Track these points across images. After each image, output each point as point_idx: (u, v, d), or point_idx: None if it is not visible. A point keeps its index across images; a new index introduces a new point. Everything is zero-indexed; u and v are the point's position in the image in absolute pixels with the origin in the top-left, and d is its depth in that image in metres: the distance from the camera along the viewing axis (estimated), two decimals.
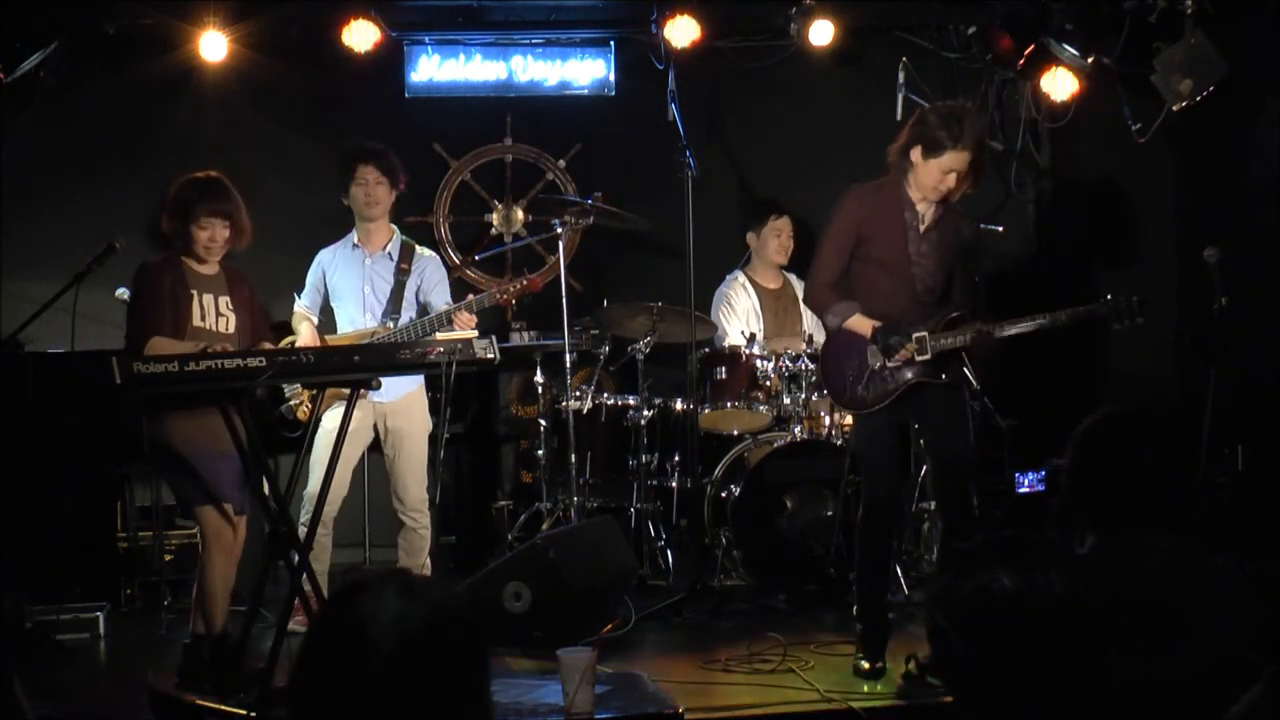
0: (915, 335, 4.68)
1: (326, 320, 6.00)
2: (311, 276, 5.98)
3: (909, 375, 4.72)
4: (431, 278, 5.97)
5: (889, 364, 4.71)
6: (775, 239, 6.81)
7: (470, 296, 5.88)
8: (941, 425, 4.84)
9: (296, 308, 6.00)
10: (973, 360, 4.80)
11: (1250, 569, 2.70)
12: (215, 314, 4.99)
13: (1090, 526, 2.72)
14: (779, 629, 5.25)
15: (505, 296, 5.95)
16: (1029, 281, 7.57)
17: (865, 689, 4.65)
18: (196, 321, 4.93)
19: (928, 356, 4.69)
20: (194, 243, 4.94)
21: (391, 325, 5.79)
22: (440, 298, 5.93)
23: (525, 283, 6.02)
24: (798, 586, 6.04)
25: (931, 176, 4.67)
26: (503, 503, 6.93)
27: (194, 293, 4.95)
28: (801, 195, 7.10)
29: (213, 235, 4.94)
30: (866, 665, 4.76)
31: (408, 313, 5.88)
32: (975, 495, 4.81)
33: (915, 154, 4.69)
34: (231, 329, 5.01)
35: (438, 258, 6.13)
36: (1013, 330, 4.72)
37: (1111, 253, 7.46)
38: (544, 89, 7.35)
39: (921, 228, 4.77)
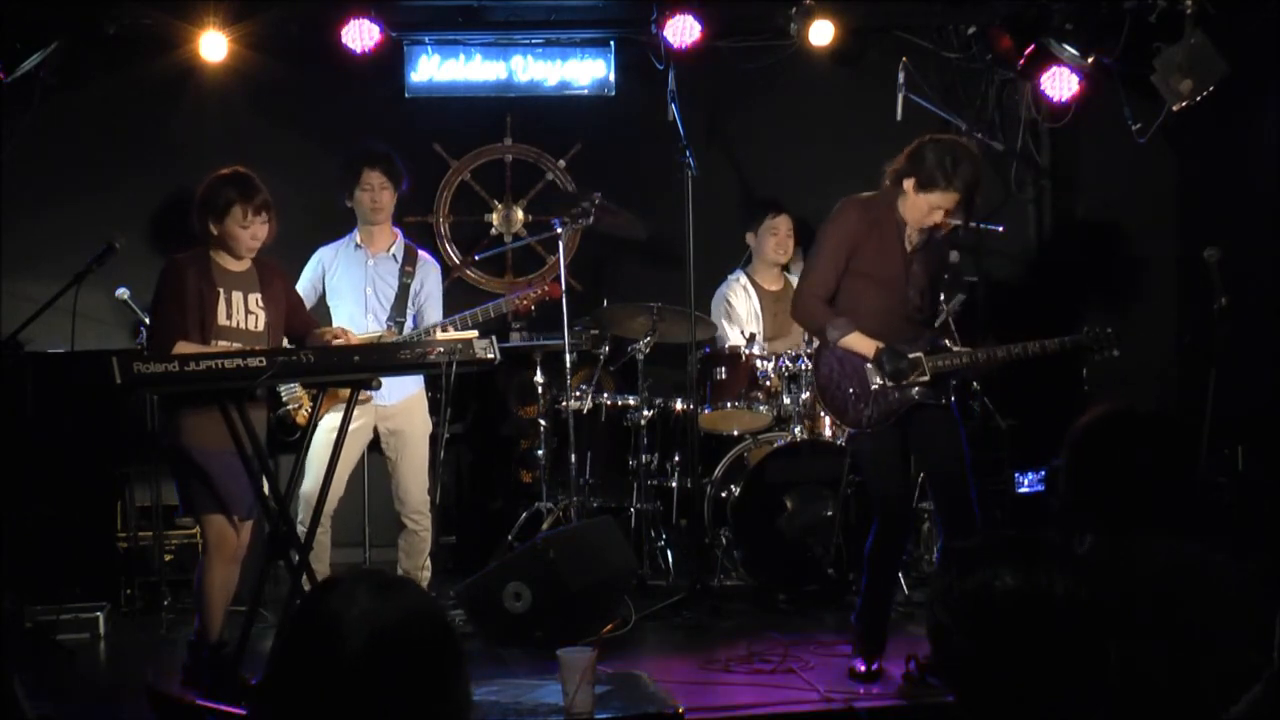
0: (911, 356, 4.68)
1: (321, 319, 5.98)
2: (309, 273, 5.96)
3: (913, 394, 4.70)
4: (430, 287, 5.96)
5: (890, 384, 4.69)
6: (772, 238, 6.79)
7: (477, 307, 5.84)
8: (935, 445, 4.78)
9: None
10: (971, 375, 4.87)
11: (1250, 569, 2.69)
12: (244, 312, 4.91)
13: (1088, 527, 2.71)
14: (779, 629, 5.25)
15: (525, 303, 5.95)
16: (1029, 282, 7.59)
17: (865, 689, 4.65)
18: (223, 320, 4.85)
19: (927, 378, 4.69)
20: (233, 240, 4.86)
21: (396, 330, 5.78)
22: (434, 307, 5.93)
23: (545, 289, 6.02)
24: (798, 586, 6.04)
25: (919, 210, 4.67)
26: (503, 503, 6.93)
27: (220, 290, 4.87)
28: (802, 195, 7.09)
29: (254, 233, 4.87)
30: (863, 668, 4.75)
31: (411, 314, 5.88)
32: (978, 507, 4.74)
33: (908, 184, 4.67)
34: (261, 326, 4.94)
35: (438, 266, 6.12)
36: (1001, 356, 4.80)
37: (1111, 253, 7.46)
38: (544, 89, 7.36)
39: (910, 247, 4.77)
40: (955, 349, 4.78)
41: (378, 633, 1.73)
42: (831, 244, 4.78)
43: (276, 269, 5.10)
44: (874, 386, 4.69)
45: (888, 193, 4.76)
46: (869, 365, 4.70)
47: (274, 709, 1.76)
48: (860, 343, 4.71)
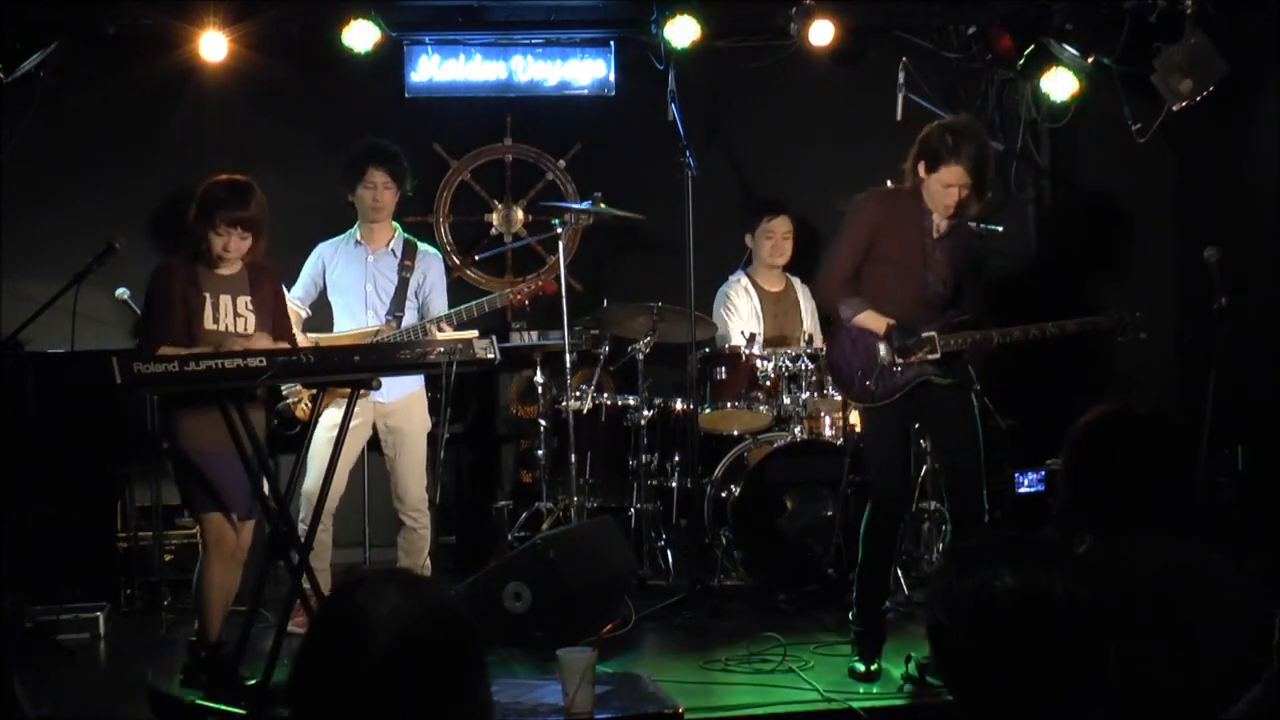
0: (925, 334, 4.74)
1: (322, 316, 5.99)
2: (310, 269, 5.96)
3: (916, 373, 4.77)
4: (433, 278, 5.97)
5: (899, 361, 4.75)
6: (768, 241, 6.79)
7: (471, 303, 5.86)
8: (949, 430, 4.88)
9: (287, 300, 5.97)
10: (971, 362, 4.89)
11: (1251, 568, 2.69)
12: (232, 315, 4.90)
13: (1087, 528, 2.71)
14: (779, 629, 5.25)
15: (519, 297, 5.96)
16: (1029, 282, 7.58)
17: (864, 689, 4.65)
18: (209, 324, 4.84)
19: (937, 356, 4.75)
20: (206, 245, 4.86)
21: (394, 324, 5.79)
22: (439, 298, 5.93)
23: (540, 284, 6.03)
24: (798, 586, 6.04)
25: (936, 193, 4.77)
26: (503, 503, 6.94)
27: (206, 295, 4.86)
28: (802, 195, 7.09)
29: (227, 244, 4.84)
30: (862, 668, 4.77)
31: (410, 310, 5.88)
32: (987, 502, 4.82)
33: (922, 169, 4.79)
34: (250, 328, 4.92)
35: (440, 257, 6.15)
36: (1017, 336, 4.84)
37: (1111, 253, 7.46)
38: (544, 89, 7.35)
39: (935, 235, 4.84)
40: (969, 330, 4.82)
41: (406, 631, 1.71)
42: (852, 231, 4.91)
43: (269, 271, 5.06)
44: (882, 363, 4.76)
45: (912, 184, 4.86)
46: (880, 342, 4.78)
47: (297, 708, 1.75)
48: (871, 319, 4.81)
